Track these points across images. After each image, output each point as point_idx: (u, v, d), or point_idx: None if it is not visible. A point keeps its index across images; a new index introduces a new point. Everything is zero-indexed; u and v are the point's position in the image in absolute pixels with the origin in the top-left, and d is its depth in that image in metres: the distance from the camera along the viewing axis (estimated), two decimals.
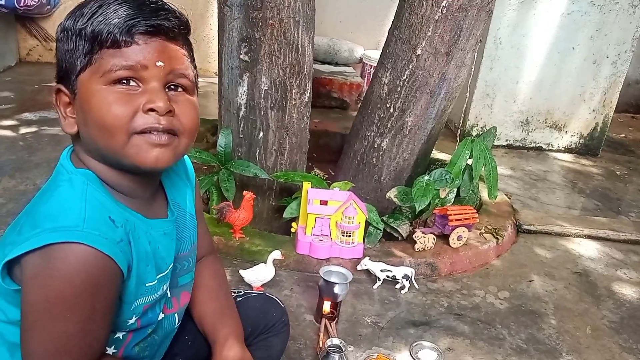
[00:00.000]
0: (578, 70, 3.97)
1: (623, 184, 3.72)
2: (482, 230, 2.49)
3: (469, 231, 2.36)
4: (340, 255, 2.17)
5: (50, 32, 4.61)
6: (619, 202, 3.40)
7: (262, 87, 2.26)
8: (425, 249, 2.28)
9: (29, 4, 4.30)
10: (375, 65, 2.60)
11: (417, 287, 2.12)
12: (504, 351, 1.83)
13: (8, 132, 3.20)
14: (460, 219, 2.30)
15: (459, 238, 2.32)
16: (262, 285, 1.95)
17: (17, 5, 4.25)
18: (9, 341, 0.89)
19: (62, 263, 0.77)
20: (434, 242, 2.30)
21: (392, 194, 2.38)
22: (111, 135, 0.83)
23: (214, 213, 2.20)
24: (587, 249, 2.66)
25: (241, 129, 2.36)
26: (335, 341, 1.66)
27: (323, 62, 4.81)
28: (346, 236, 2.17)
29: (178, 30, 0.87)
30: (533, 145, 4.20)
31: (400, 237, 2.35)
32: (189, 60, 0.90)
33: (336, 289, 1.78)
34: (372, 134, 2.50)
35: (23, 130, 3.25)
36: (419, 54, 2.32)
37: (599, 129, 4.18)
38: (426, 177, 2.35)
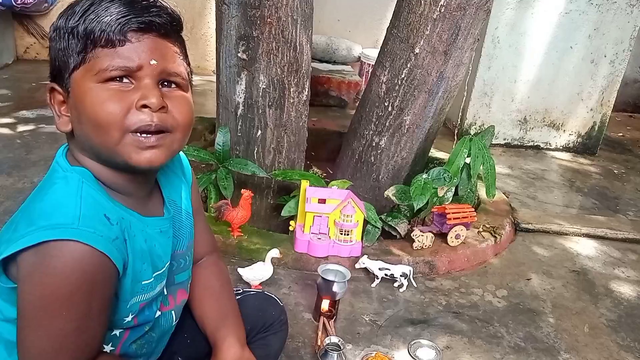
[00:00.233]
0: (576, 69, 3.97)
1: (621, 183, 3.72)
2: (480, 229, 2.49)
3: (467, 230, 2.36)
4: (339, 253, 2.17)
5: (48, 30, 4.57)
6: (617, 200, 3.40)
7: (260, 86, 2.25)
8: (424, 247, 2.28)
9: (26, 2, 4.29)
10: (374, 63, 2.60)
11: (415, 285, 2.12)
12: (502, 349, 1.84)
13: (5, 130, 3.19)
14: (459, 218, 2.30)
15: (457, 237, 2.32)
16: (261, 284, 1.95)
17: (14, 3, 4.24)
18: (6, 339, 0.89)
19: (58, 261, 0.77)
20: (432, 240, 2.30)
21: (390, 192, 2.38)
22: (105, 133, 0.83)
23: (212, 211, 2.20)
24: (585, 248, 2.66)
25: (239, 127, 2.36)
26: (334, 339, 1.66)
27: (321, 61, 4.81)
28: (344, 234, 2.16)
29: (170, 27, 0.87)
30: (531, 144, 4.20)
31: (398, 236, 2.35)
32: (182, 56, 0.90)
33: (334, 288, 1.77)
34: (370, 132, 2.50)
35: (20, 128, 3.25)
36: (417, 53, 2.31)
37: (596, 127, 4.18)
38: (424, 176, 2.35)
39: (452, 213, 2.29)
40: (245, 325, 1.15)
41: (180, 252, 1.05)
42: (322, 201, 2.18)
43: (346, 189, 2.27)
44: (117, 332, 0.94)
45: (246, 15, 2.13)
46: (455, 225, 2.30)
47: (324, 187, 2.30)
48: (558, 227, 2.77)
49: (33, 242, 0.77)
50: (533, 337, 1.92)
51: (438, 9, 2.23)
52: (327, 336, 1.69)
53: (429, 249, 2.29)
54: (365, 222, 2.26)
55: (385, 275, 2.07)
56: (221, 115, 2.42)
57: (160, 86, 0.86)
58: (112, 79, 0.82)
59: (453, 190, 2.52)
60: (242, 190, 2.17)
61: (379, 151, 2.51)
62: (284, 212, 2.29)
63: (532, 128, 4.16)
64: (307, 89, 2.36)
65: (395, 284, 2.10)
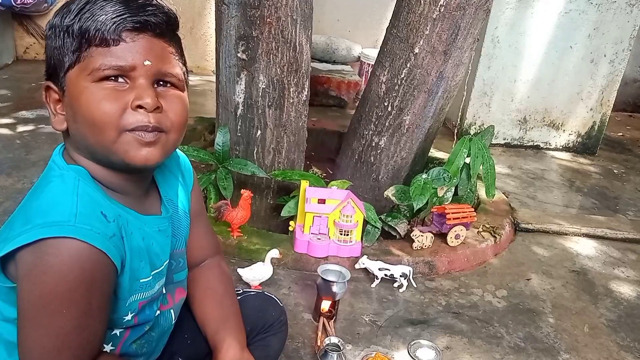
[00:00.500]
0: (576, 68, 3.97)
1: (620, 183, 3.72)
2: (480, 229, 2.49)
3: (466, 230, 2.36)
4: (338, 253, 2.17)
5: None
6: (617, 200, 3.40)
7: (259, 86, 2.25)
8: (423, 247, 2.28)
9: (25, 2, 4.29)
10: (373, 63, 2.60)
11: (415, 285, 2.12)
12: (502, 349, 1.84)
13: (5, 130, 3.19)
14: (458, 218, 2.30)
15: (457, 237, 2.32)
16: (260, 284, 1.95)
17: (14, 3, 4.23)
18: (6, 340, 0.89)
19: (55, 258, 0.77)
20: (432, 240, 2.30)
21: (390, 192, 2.38)
22: (101, 132, 0.83)
23: (212, 212, 2.20)
24: (584, 248, 2.66)
25: (239, 127, 2.36)
26: (334, 340, 1.66)
27: (321, 61, 4.80)
28: (344, 235, 2.16)
29: (166, 26, 0.87)
30: (531, 143, 4.20)
31: (398, 236, 2.35)
32: (177, 56, 0.90)
33: (334, 288, 1.77)
34: (370, 132, 2.50)
35: (20, 128, 3.24)
36: (416, 53, 2.31)
37: (596, 127, 4.18)
38: (424, 176, 2.35)
39: (452, 213, 2.29)
40: (245, 325, 1.15)
41: (179, 251, 1.05)
42: (322, 201, 2.18)
43: (346, 189, 2.27)
44: (117, 331, 0.94)
45: (246, 15, 2.13)
46: (455, 225, 2.30)
47: (323, 187, 2.30)
48: (558, 227, 2.77)
49: (30, 240, 0.76)
50: (533, 337, 1.92)
51: (438, 8, 2.23)
52: (327, 336, 1.68)
53: (428, 249, 2.29)
54: (365, 223, 2.26)
55: (385, 275, 2.07)
56: (221, 116, 2.42)
57: (155, 85, 0.86)
58: (107, 78, 0.82)
59: (453, 190, 2.52)
60: (242, 191, 2.17)
61: (378, 151, 2.51)
62: (284, 213, 2.29)
63: (532, 128, 4.16)
64: (306, 89, 2.36)
65: (395, 284, 2.10)
